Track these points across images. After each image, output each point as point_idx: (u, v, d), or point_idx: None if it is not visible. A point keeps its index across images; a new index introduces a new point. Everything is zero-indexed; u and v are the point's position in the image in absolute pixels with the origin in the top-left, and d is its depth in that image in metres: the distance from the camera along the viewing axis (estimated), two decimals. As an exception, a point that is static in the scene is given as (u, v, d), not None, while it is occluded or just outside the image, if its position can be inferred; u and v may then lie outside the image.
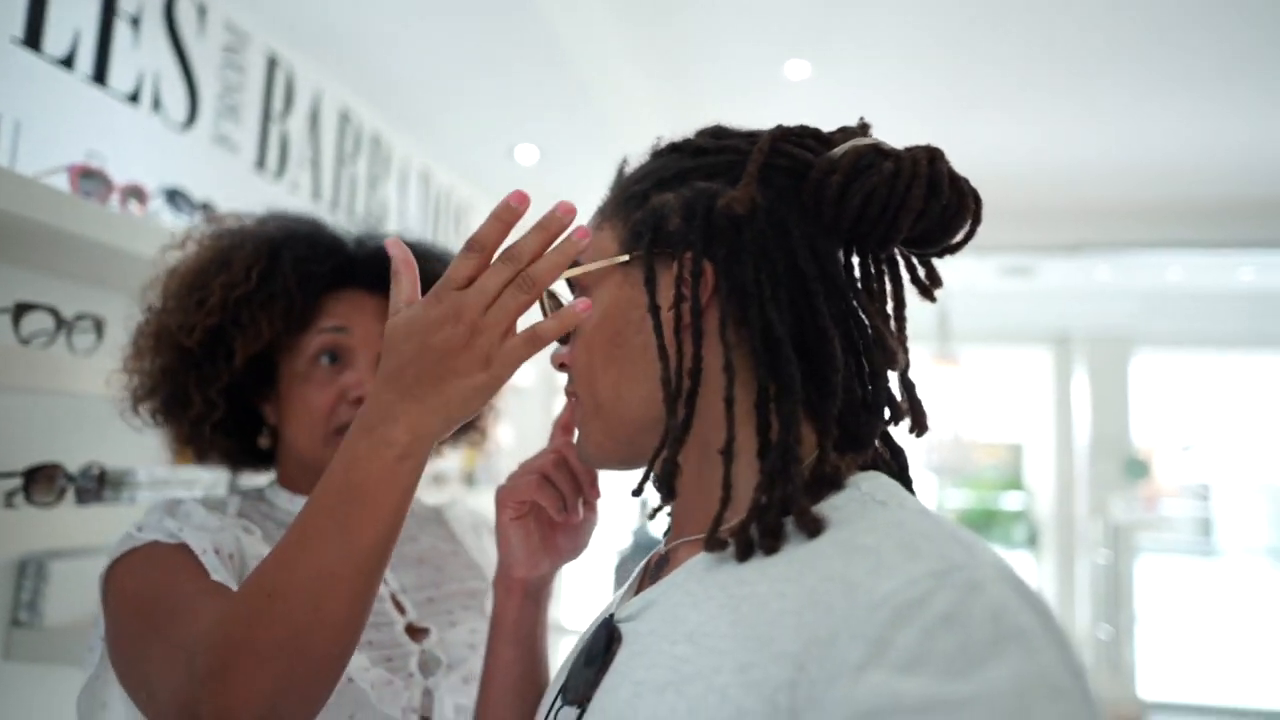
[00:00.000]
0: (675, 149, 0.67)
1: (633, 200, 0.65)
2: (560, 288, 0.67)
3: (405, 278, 0.66)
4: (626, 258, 0.63)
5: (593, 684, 0.59)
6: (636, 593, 0.65)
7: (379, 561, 0.62)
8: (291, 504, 1.01)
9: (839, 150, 0.60)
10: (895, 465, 0.65)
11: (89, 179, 1.46)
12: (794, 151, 0.62)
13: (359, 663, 0.87)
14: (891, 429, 0.65)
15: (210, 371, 0.95)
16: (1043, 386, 6.97)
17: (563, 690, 0.64)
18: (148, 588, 0.78)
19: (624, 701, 0.54)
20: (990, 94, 3.27)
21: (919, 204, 0.58)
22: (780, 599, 0.50)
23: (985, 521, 8.26)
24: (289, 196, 2.38)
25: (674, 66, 3.06)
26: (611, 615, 0.64)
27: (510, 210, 0.63)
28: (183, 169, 1.96)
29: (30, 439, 1.51)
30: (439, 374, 0.60)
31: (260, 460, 1.07)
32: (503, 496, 0.76)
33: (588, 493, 0.77)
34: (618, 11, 2.66)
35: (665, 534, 0.70)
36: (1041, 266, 5.33)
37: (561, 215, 0.62)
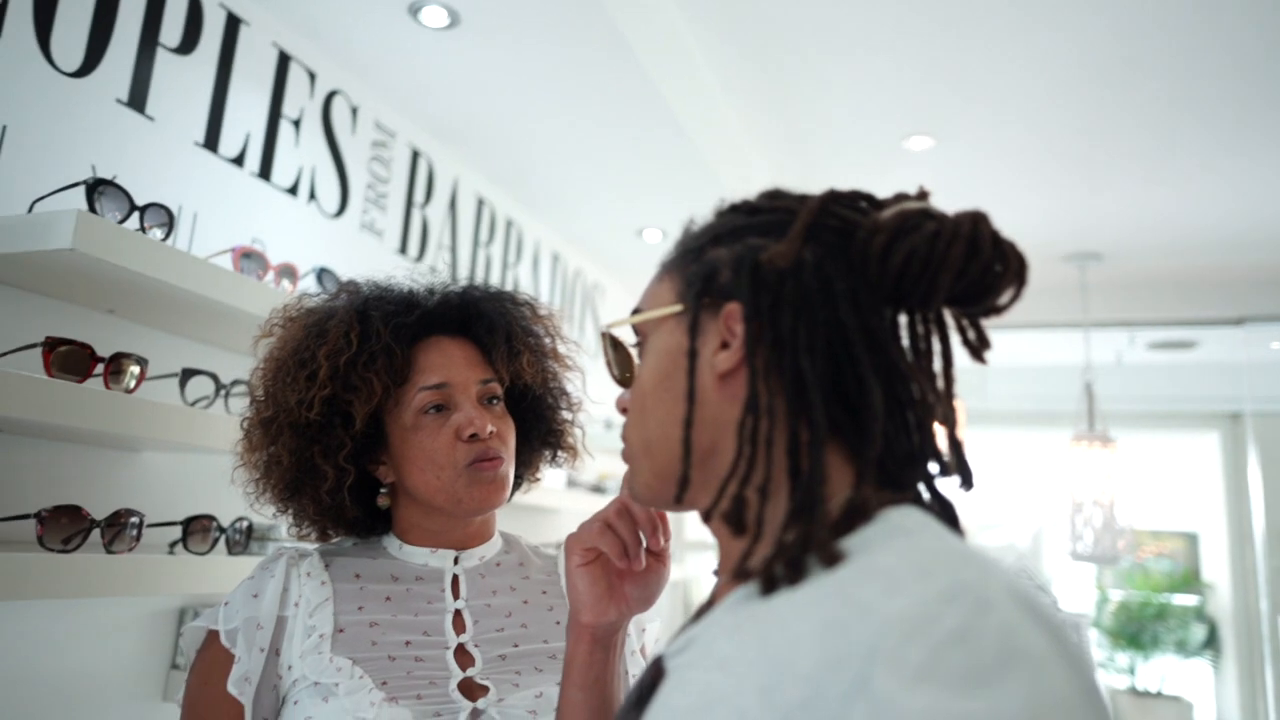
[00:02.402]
0: (735, 209, 0.72)
1: (690, 254, 0.70)
2: (625, 334, 0.72)
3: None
4: (680, 307, 0.68)
5: (634, 717, 0.62)
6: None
7: None
8: (401, 552, 1.06)
9: (887, 212, 0.63)
10: (943, 516, 0.65)
11: (249, 259, 1.63)
12: (843, 212, 0.65)
13: (400, 715, 0.89)
14: (958, 494, 0.66)
15: (333, 441, 0.99)
16: (1213, 470, 6.42)
17: None
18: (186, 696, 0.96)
19: None
20: (1129, 160, 3.14)
21: (958, 263, 0.59)
22: (801, 621, 0.52)
23: (1156, 620, 7.49)
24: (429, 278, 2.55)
25: (795, 147, 3.12)
26: (661, 655, 0.66)
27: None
28: (333, 252, 2.15)
29: (191, 492, 1.66)
30: None
31: (375, 525, 1.11)
32: (570, 543, 0.81)
33: (650, 540, 0.81)
34: (740, 96, 2.76)
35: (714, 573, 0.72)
36: (1203, 340, 4.99)
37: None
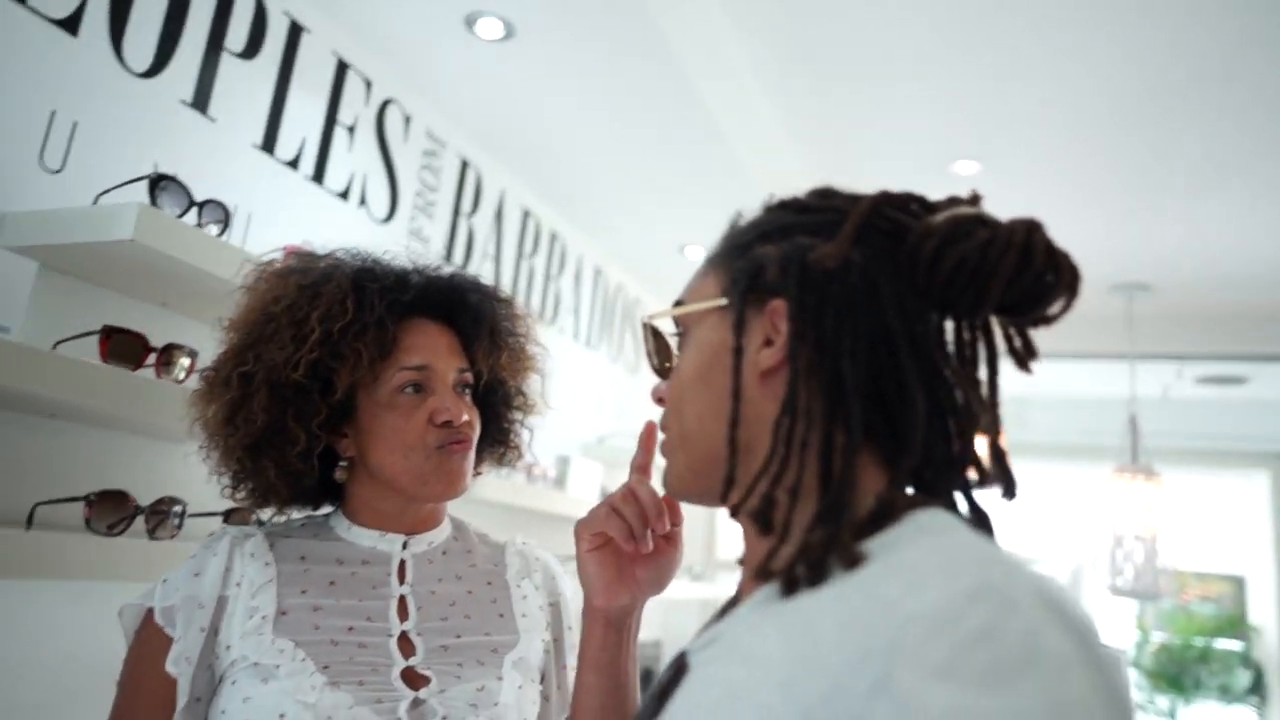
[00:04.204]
0: (784, 205, 0.72)
1: (737, 250, 0.70)
2: (666, 325, 0.72)
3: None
4: (724, 301, 0.68)
5: (656, 712, 0.62)
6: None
7: None
8: (349, 533, 1.05)
9: (940, 216, 0.62)
10: (978, 524, 0.64)
11: (299, 257, 1.66)
12: (895, 215, 0.64)
13: (341, 700, 0.89)
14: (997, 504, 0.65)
15: (309, 406, 0.98)
16: (1261, 511, 6.24)
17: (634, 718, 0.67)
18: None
19: None
20: (1180, 189, 3.09)
21: (1010, 272, 0.58)
22: (825, 618, 0.52)
23: (1199, 663, 7.27)
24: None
25: (840, 168, 3.12)
26: (685, 651, 0.66)
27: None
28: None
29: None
30: None
31: (324, 498, 1.11)
32: (579, 529, 0.82)
33: (655, 525, 0.81)
34: (786, 115, 2.77)
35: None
36: (1253, 376, 4.88)
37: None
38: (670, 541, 0.84)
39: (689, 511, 0.84)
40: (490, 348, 1.09)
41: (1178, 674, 7.04)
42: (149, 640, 0.94)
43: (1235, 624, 7.61)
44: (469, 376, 1.08)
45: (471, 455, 1.07)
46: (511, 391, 1.17)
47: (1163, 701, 6.94)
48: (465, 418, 1.03)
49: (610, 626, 0.83)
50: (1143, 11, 2.14)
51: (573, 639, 1.13)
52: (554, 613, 1.13)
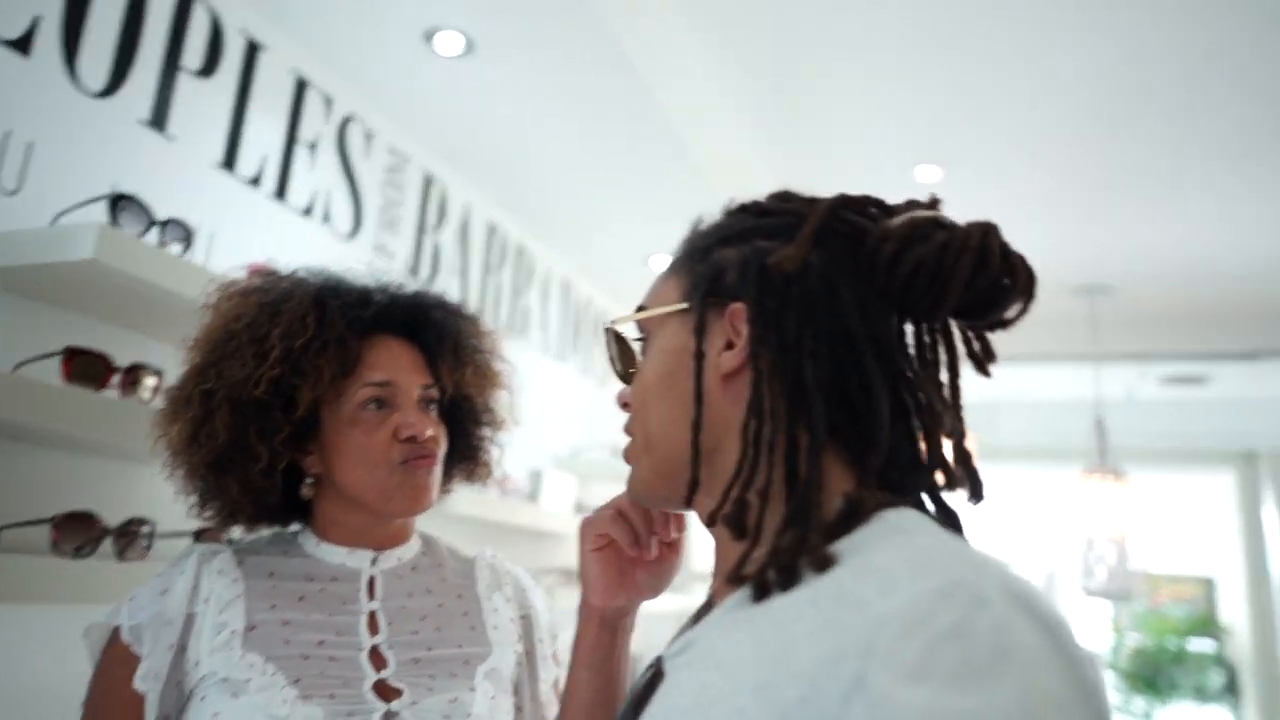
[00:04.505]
0: (744, 209, 0.72)
1: (698, 254, 0.70)
2: (630, 331, 0.73)
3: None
4: (685, 305, 0.68)
5: (633, 718, 0.63)
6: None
7: None
8: (317, 550, 1.05)
9: (897, 219, 0.63)
10: (947, 524, 0.65)
11: (263, 276, 1.65)
12: (853, 218, 0.65)
13: (313, 713, 0.89)
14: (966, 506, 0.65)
15: (271, 423, 0.98)
16: (1228, 511, 6.34)
17: None
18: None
19: None
20: (1140, 191, 3.15)
21: (966, 274, 0.59)
22: (798, 621, 0.52)
23: (1173, 665, 7.33)
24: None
25: (804, 175, 3.15)
26: (660, 657, 0.67)
27: None
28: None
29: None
30: None
31: (291, 515, 1.10)
32: (584, 528, 0.82)
33: (659, 531, 0.81)
34: (749, 123, 2.80)
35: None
36: (1216, 375, 4.97)
37: None
38: (672, 548, 0.84)
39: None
40: (454, 363, 1.10)
41: (1153, 676, 7.11)
42: (116, 659, 0.93)
43: (1207, 624, 7.70)
44: (434, 392, 1.08)
45: (438, 470, 1.07)
46: (479, 408, 1.17)
47: (1139, 703, 7.00)
48: (430, 433, 1.03)
49: (605, 626, 0.82)
50: (1102, 19, 2.19)
51: (545, 651, 1.13)
52: (525, 625, 1.13)
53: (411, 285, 1.14)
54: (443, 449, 1.08)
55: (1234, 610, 6.97)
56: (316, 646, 0.95)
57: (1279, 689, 5.63)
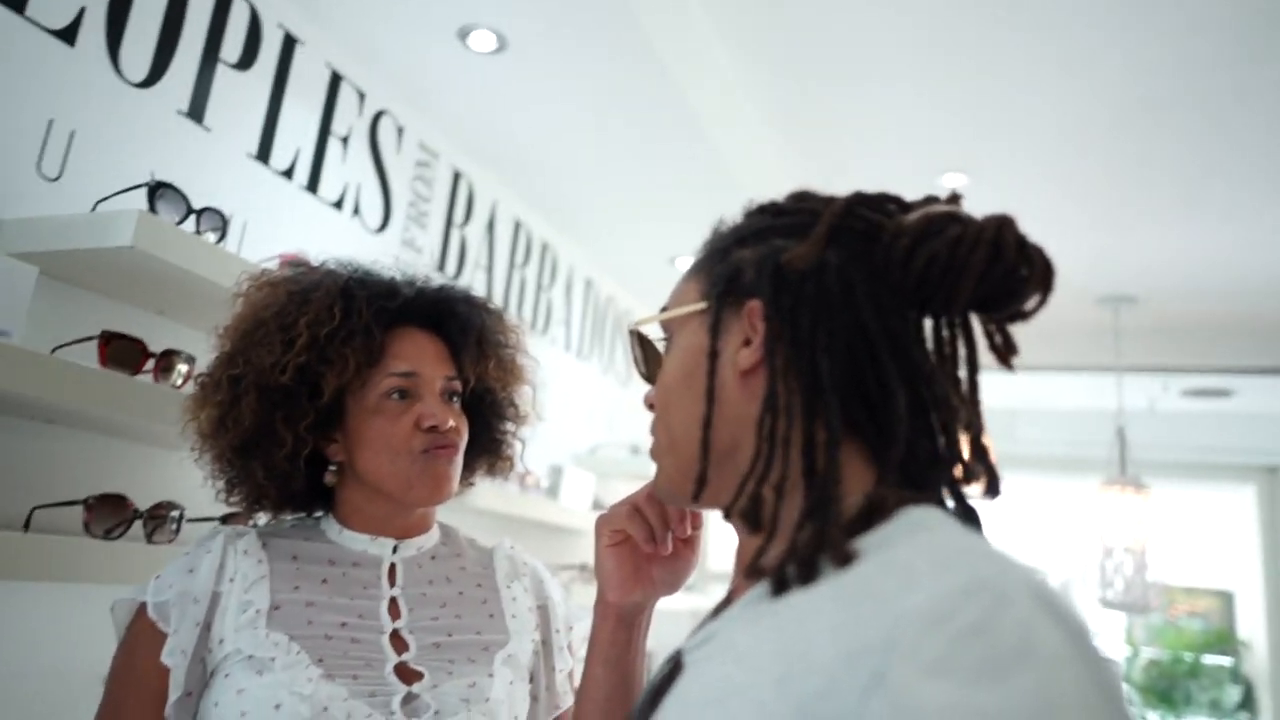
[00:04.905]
0: (762, 210, 0.73)
1: (717, 254, 0.71)
2: (654, 332, 0.74)
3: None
4: (704, 305, 0.69)
5: (651, 710, 0.63)
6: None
7: None
8: (340, 537, 1.07)
9: (912, 215, 0.63)
10: (967, 520, 0.65)
11: (293, 267, 1.68)
12: (869, 215, 0.66)
13: (336, 693, 0.90)
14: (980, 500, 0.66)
15: (297, 409, 1.00)
16: (1249, 525, 6.27)
17: (629, 717, 0.68)
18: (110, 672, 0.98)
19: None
20: (1166, 201, 3.12)
21: (980, 266, 0.59)
22: (819, 615, 0.52)
23: (1189, 678, 7.24)
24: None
25: (830, 180, 3.14)
26: (679, 649, 0.67)
27: None
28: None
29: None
30: None
31: (315, 502, 1.13)
32: (600, 524, 0.83)
33: (675, 527, 0.82)
34: (777, 128, 2.80)
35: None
36: (1240, 388, 4.92)
37: None
38: (689, 545, 0.84)
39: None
40: (478, 356, 1.11)
41: (1168, 689, 7.03)
42: (141, 634, 0.95)
43: (1224, 639, 7.61)
44: (457, 384, 1.10)
45: (458, 461, 1.08)
46: (502, 402, 1.18)
47: (1154, 717, 6.93)
48: (451, 423, 1.05)
49: (621, 622, 0.83)
50: (1131, 25, 2.18)
51: (561, 641, 1.15)
52: (542, 615, 1.14)
53: (438, 279, 1.16)
54: (464, 440, 1.09)
55: (1252, 625, 6.89)
56: (339, 628, 0.97)
57: (1297, 707, 5.56)
